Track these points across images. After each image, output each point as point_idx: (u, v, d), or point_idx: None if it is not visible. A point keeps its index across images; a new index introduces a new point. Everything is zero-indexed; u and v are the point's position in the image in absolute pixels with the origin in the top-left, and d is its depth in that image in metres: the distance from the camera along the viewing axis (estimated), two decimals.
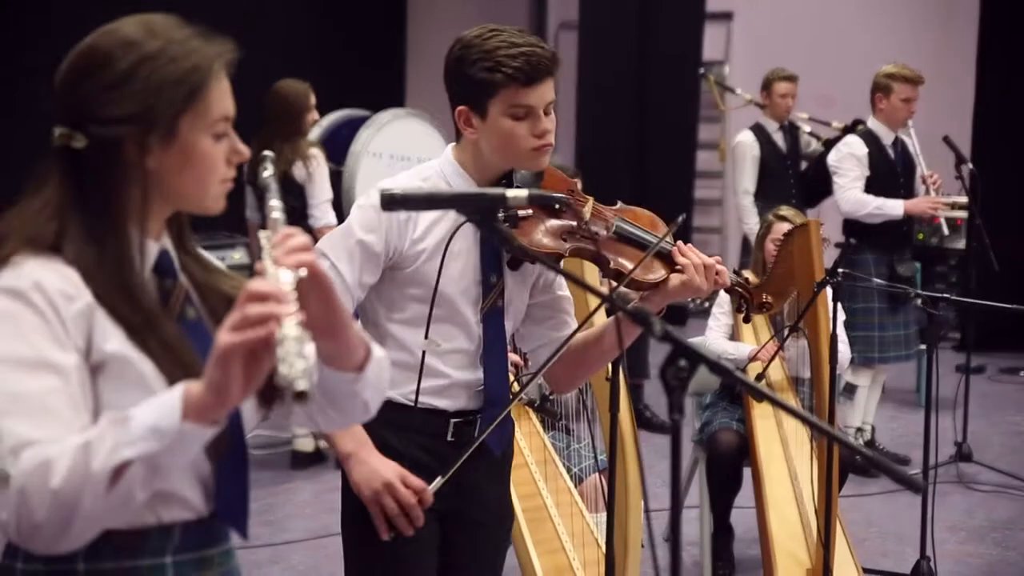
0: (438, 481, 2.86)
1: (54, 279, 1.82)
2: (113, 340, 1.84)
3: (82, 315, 1.82)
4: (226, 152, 1.95)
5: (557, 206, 2.91)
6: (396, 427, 2.87)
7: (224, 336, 1.69)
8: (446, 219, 2.84)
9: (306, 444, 6.86)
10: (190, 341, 1.92)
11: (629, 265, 2.94)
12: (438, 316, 2.86)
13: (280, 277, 1.78)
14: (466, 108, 2.85)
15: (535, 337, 3.08)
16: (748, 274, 5.35)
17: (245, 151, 1.98)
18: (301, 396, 1.66)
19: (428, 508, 2.85)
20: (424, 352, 2.87)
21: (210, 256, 2.11)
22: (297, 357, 1.68)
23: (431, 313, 2.84)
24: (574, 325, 3.08)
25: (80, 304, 1.83)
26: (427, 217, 2.84)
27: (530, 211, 2.87)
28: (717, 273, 2.98)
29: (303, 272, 1.81)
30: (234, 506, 1.96)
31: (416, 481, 2.81)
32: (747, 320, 3.09)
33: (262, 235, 1.89)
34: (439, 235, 2.85)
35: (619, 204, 3.09)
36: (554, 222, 2.91)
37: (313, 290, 1.85)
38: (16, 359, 1.77)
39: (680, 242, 2.96)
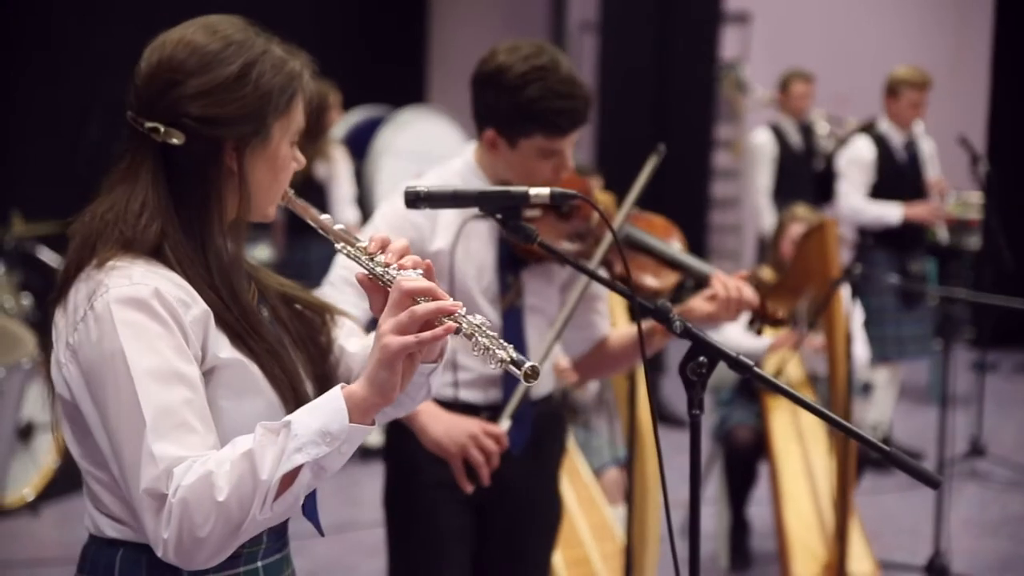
0: (505, 423, 2.90)
1: (169, 287, 1.80)
2: (224, 346, 1.84)
3: (198, 322, 1.81)
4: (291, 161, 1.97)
5: (565, 209, 2.95)
6: None
7: (393, 339, 1.71)
8: (465, 219, 2.89)
9: None
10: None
11: (638, 273, 2.99)
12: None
13: (412, 275, 1.80)
14: (494, 133, 2.88)
15: (565, 335, 3.11)
16: (765, 272, 5.40)
17: (303, 160, 2.01)
18: (535, 372, 1.70)
19: (462, 499, 2.91)
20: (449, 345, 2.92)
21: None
22: (499, 340, 1.72)
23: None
24: (605, 323, 3.14)
25: (197, 311, 1.82)
26: (447, 217, 2.91)
27: (539, 212, 2.91)
28: (740, 303, 2.93)
29: (421, 271, 1.83)
30: (312, 503, 1.95)
31: (494, 428, 2.85)
32: (759, 332, 3.12)
33: (340, 248, 1.90)
34: (461, 247, 2.92)
35: (635, 210, 3.13)
36: (563, 224, 2.97)
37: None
38: (153, 372, 1.74)
39: (720, 273, 2.95)
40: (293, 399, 1.86)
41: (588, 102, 2.86)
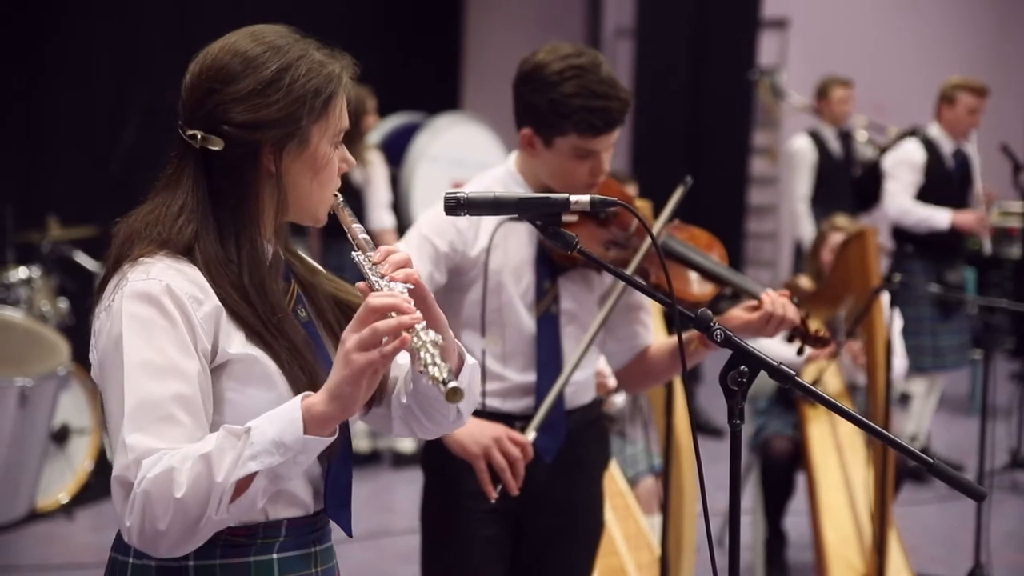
0: (531, 434, 2.87)
1: (183, 283, 1.86)
2: (236, 341, 1.89)
3: (209, 318, 1.87)
4: (338, 162, 2.01)
5: (603, 216, 2.93)
6: None
7: (358, 356, 1.75)
8: (500, 223, 2.89)
9: (363, 444, 6.92)
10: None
11: (675, 283, 2.95)
12: (495, 319, 2.91)
13: (395, 290, 1.84)
14: (531, 132, 2.88)
15: (607, 344, 3.11)
16: (804, 281, 5.37)
17: (352, 160, 2.05)
18: (456, 393, 1.71)
19: (498, 509, 2.89)
20: (484, 353, 2.91)
21: (308, 258, 2.15)
22: (441, 359, 1.74)
23: (484, 311, 2.89)
24: (649, 334, 3.11)
25: (208, 307, 1.87)
26: (491, 221, 2.90)
27: (575, 218, 2.89)
28: (783, 320, 2.87)
29: (411, 285, 1.87)
30: (340, 503, 2.00)
31: (519, 436, 2.83)
32: (800, 353, 3.05)
33: (356, 256, 1.94)
34: (498, 240, 2.92)
35: (676, 221, 3.10)
36: (600, 231, 2.95)
37: (416, 299, 1.88)
38: (146, 365, 1.81)
39: (770, 291, 2.90)
40: None
41: (625, 104, 2.84)
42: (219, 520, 1.76)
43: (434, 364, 1.73)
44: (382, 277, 1.87)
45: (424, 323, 1.79)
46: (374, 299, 1.78)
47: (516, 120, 2.93)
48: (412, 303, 1.81)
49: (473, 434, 2.81)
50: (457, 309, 2.93)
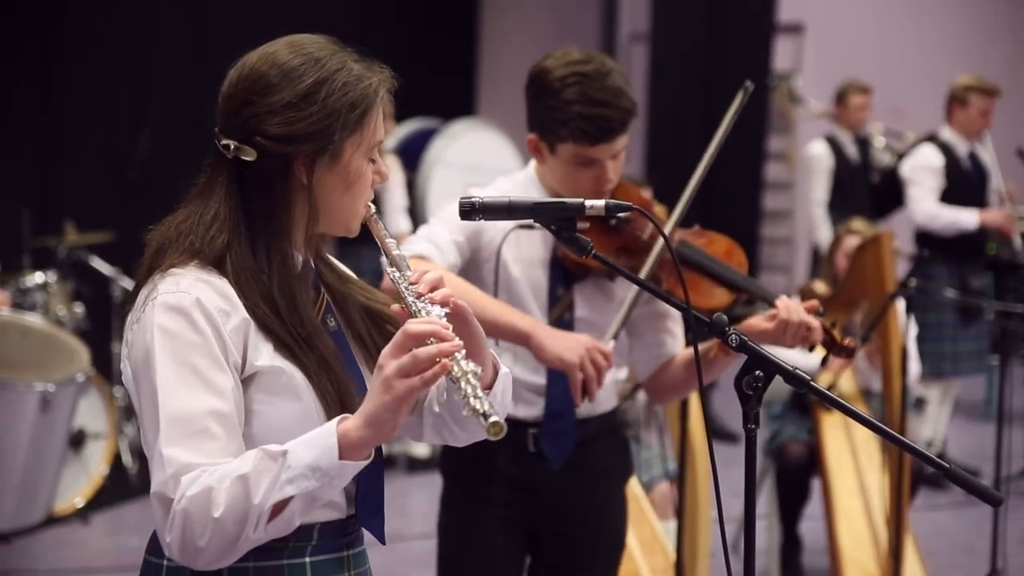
0: (610, 343, 2.86)
1: (212, 296, 1.87)
2: (264, 354, 1.89)
3: (238, 330, 1.87)
4: (372, 174, 2.01)
5: (613, 222, 2.89)
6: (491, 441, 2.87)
7: (399, 383, 1.75)
8: (513, 225, 2.87)
9: None
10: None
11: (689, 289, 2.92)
12: None
13: (432, 313, 1.83)
14: (536, 137, 2.88)
15: (633, 352, 3.07)
16: (819, 285, 5.36)
17: (386, 172, 2.05)
18: (496, 427, 1.70)
19: (514, 517, 2.88)
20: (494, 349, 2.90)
21: (343, 266, 2.15)
22: (481, 390, 1.73)
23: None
24: (676, 343, 3.06)
25: (236, 320, 1.88)
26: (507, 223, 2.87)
27: (587, 224, 2.84)
28: (809, 330, 2.79)
29: (448, 309, 1.86)
30: (372, 510, 2.00)
31: (604, 346, 2.77)
32: (824, 364, 3.01)
33: (391, 272, 1.94)
34: (512, 238, 2.90)
35: (696, 227, 3.07)
36: (613, 237, 2.91)
37: (455, 319, 1.88)
38: (178, 379, 1.81)
39: (785, 297, 2.84)
40: (339, 411, 1.87)
41: (627, 114, 2.80)
42: (256, 539, 1.78)
43: (476, 397, 1.72)
44: (419, 297, 1.87)
45: (464, 351, 1.78)
46: (413, 325, 1.78)
47: (527, 125, 2.93)
48: (450, 328, 1.80)
49: (567, 345, 2.73)
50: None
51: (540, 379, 2.93)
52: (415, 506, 6.37)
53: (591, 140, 2.77)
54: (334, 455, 1.76)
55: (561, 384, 2.87)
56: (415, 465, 6.94)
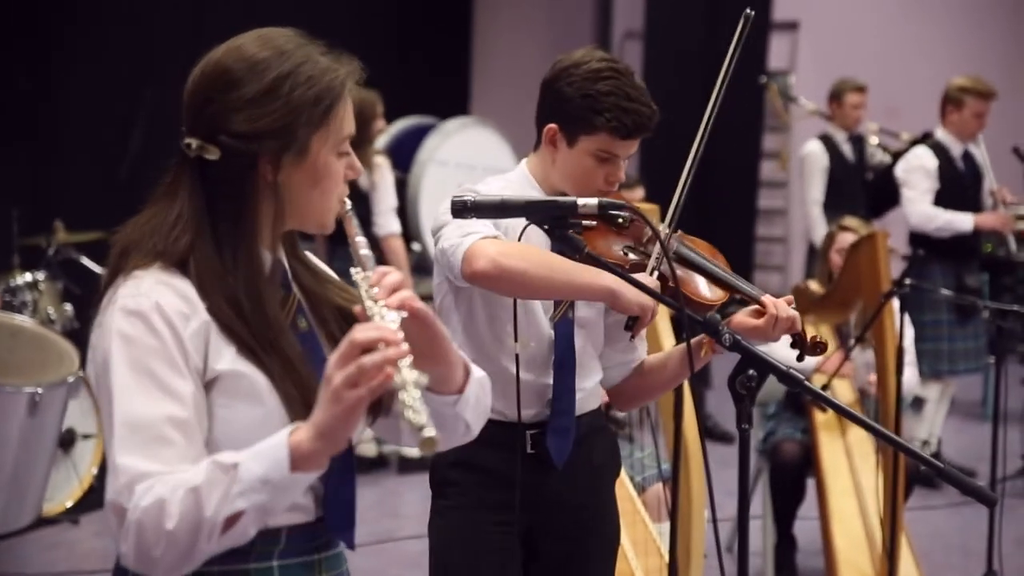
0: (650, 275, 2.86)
1: (172, 298, 1.83)
2: (226, 357, 1.86)
3: (198, 334, 1.84)
4: (344, 169, 1.97)
5: (620, 220, 2.87)
6: (484, 442, 2.82)
7: (348, 392, 1.69)
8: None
9: (369, 449, 6.90)
10: (305, 354, 1.93)
11: (689, 286, 2.92)
12: (520, 320, 2.87)
13: (386, 317, 1.78)
14: (556, 128, 2.87)
15: (605, 357, 3.05)
16: (814, 284, 5.34)
17: (360, 167, 2.01)
18: (430, 443, 1.67)
19: (507, 521, 2.86)
20: (517, 357, 2.86)
21: (323, 265, 2.11)
22: (421, 402, 1.69)
23: (516, 313, 2.83)
24: (644, 349, 3.08)
25: (196, 323, 1.84)
26: (517, 226, 2.84)
27: (594, 223, 2.84)
28: (793, 322, 2.84)
29: (404, 313, 1.81)
30: (342, 515, 1.96)
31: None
32: (800, 359, 3.03)
33: (355, 273, 1.88)
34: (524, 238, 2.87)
35: (678, 232, 3.05)
36: (617, 237, 2.91)
37: (415, 322, 1.85)
38: (136, 385, 1.79)
39: (769, 296, 2.86)
40: (305, 415, 1.82)
41: (655, 115, 2.87)
42: (211, 550, 1.76)
43: (412, 409, 1.68)
44: (376, 301, 1.81)
45: (410, 358, 1.72)
46: (359, 333, 1.72)
47: (539, 118, 2.91)
48: (402, 334, 1.75)
49: (640, 296, 2.68)
50: (480, 308, 2.88)
51: (542, 379, 2.91)
52: (407, 507, 6.35)
53: (623, 133, 2.82)
54: (284, 468, 1.72)
55: (564, 382, 2.89)
56: (407, 465, 6.91)
